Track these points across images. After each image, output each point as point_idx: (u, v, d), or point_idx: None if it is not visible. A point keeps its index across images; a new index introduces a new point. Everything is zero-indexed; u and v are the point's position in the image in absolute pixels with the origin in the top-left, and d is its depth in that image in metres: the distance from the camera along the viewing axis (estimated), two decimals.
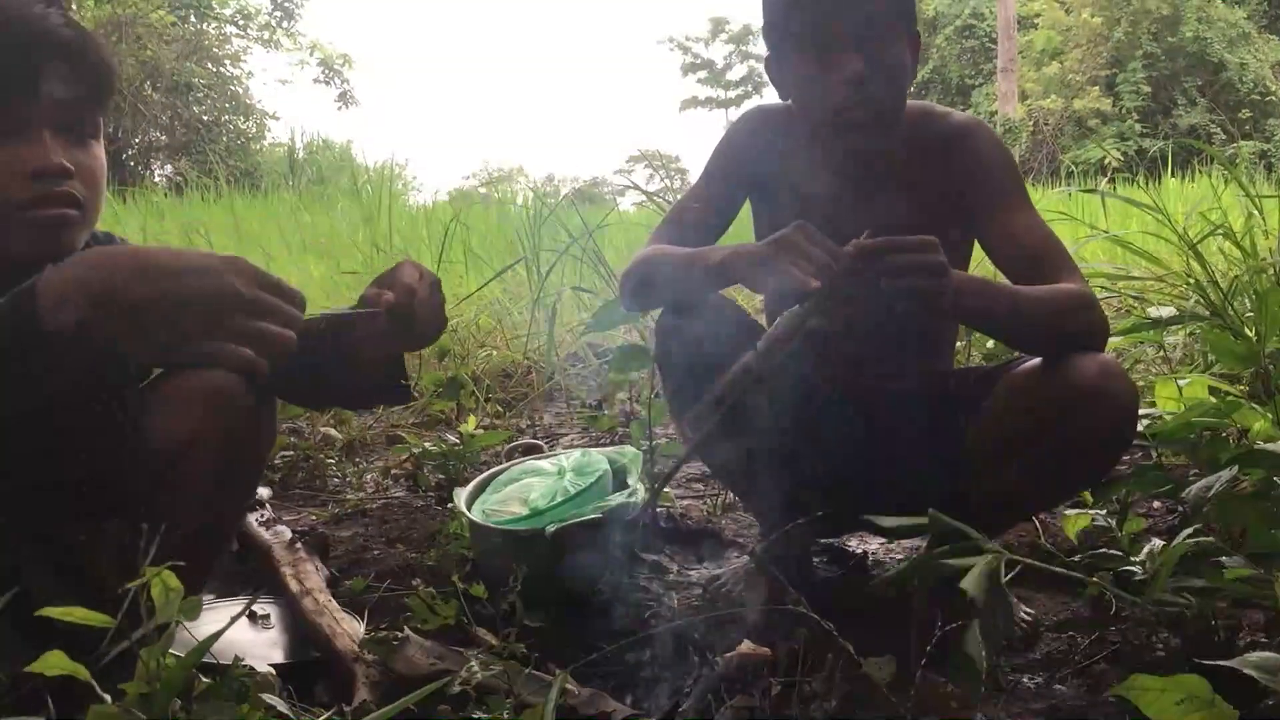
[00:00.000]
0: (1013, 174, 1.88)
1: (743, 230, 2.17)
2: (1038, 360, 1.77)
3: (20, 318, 0.98)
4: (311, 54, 24.13)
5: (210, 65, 21.27)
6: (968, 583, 1.48)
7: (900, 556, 2.34)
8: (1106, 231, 3.87)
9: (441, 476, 2.94)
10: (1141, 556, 1.85)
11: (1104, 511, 2.07)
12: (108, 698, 0.73)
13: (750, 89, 43.90)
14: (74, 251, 1.31)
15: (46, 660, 0.72)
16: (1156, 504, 2.44)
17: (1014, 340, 1.81)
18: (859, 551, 2.32)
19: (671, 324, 1.87)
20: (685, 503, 2.71)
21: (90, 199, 1.37)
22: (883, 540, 2.39)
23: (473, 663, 1.34)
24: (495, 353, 4.49)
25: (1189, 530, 1.55)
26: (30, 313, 0.98)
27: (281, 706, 1.45)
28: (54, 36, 1.27)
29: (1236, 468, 1.65)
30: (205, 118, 20.36)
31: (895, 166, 1.85)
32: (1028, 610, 1.95)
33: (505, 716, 1.33)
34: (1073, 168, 13.34)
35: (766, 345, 1.60)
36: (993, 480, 1.81)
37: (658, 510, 2.37)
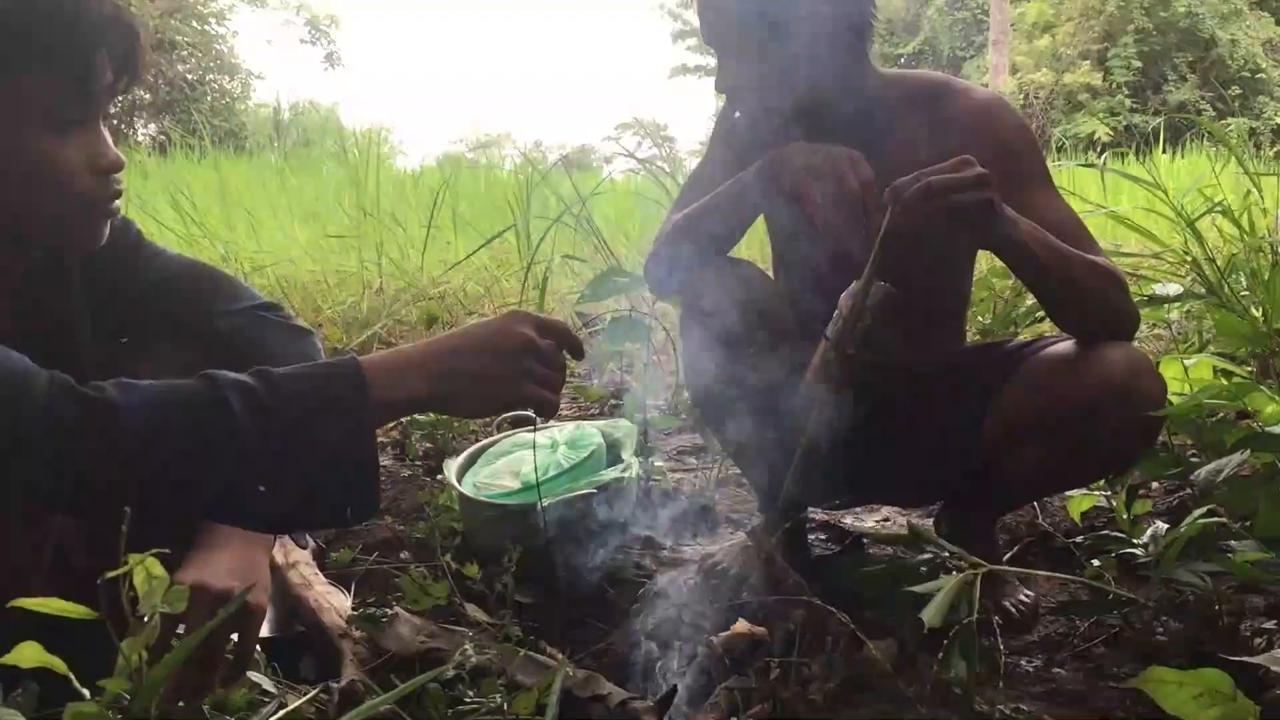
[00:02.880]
0: (1035, 153, 1.83)
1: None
2: (1062, 347, 1.74)
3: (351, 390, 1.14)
4: (298, 13, 23.85)
5: (195, 23, 20.99)
6: (928, 613, 1.46)
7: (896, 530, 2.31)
8: (1104, 207, 3.82)
9: (429, 445, 2.90)
10: (1145, 539, 1.82)
11: (1108, 492, 2.04)
12: (86, 693, 0.69)
13: None
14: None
15: (21, 652, 0.68)
16: (1155, 484, 2.41)
17: (1054, 297, 1.71)
18: (854, 528, 2.29)
19: (695, 292, 1.82)
20: (677, 476, 2.67)
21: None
22: (880, 518, 2.36)
23: (467, 646, 1.30)
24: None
25: (1200, 512, 1.52)
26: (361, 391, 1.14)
27: (267, 684, 1.41)
28: (114, 25, 1.23)
29: (1248, 451, 1.61)
30: (190, 76, 20.11)
31: (910, 143, 1.79)
32: (1026, 592, 1.93)
33: (498, 700, 1.29)
34: (1064, 142, 13.30)
35: (839, 326, 1.58)
36: (1008, 464, 1.78)
37: (650, 485, 2.33)
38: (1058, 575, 1.81)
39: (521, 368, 1.21)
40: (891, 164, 1.64)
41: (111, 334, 1.49)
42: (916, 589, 1.56)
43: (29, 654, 0.68)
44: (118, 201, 1.32)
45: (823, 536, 2.24)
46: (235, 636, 1.31)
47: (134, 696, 0.67)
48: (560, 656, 1.34)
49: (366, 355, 1.20)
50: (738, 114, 1.91)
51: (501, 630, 1.48)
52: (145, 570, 0.68)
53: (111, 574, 0.67)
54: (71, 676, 0.70)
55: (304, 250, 5.72)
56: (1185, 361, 1.98)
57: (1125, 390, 1.63)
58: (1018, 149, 1.80)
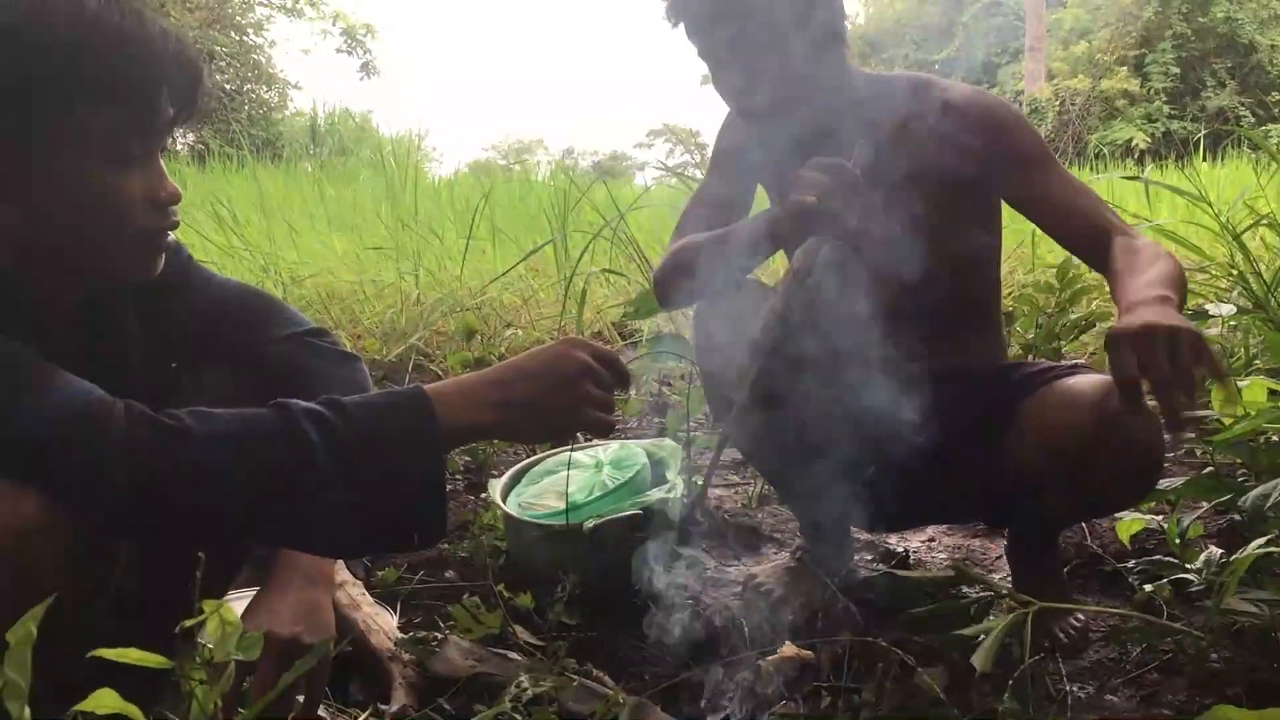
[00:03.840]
0: (1030, 133, 1.83)
1: None
2: (1072, 382, 1.72)
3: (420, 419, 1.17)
4: (334, 23, 24.00)
5: (233, 34, 21.17)
6: (978, 659, 1.44)
7: (943, 555, 2.30)
8: (1147, 220, 3.78)
9: (469, 459, 2.90)
10: (1198, 564, 1.80)
11: (1158, 517, 2.01)
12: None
13: None
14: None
15: (98, 699, 0.68)
16: (1204, 503, 2.38)
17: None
18: (900, 550, 2.27)
19: (707, 313, 1.84)
20: (718, 494, 2.66)
21: None
22: (924, 538, 2.34)
23: (523, 678, 1.30)
24: (521, 332, 4.44)
25: (1259, 542, 1.49)
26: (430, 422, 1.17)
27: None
28: (177, 62, 1.24)
29: None
30: (228, 86, 20.29)
31: (899, 141, 1.79)
32: (1077, 616, 1.90)
33: None
34: (1100, 149, 13.17)
35: (787, 283, 1.62)
36: (1029, 488, 1.77)
37: (694, 504, 2.32)
38: (1108, 609, 1.78)
39: (580, 393, 1.25)
40: (882, 158, 1.67)
41: (163, 361, 1.50)
42: (965, 631, 1.55)
43: (106, 700, 0.68)
44: (173, 234, 1.33)
45: (868, 557, 2.23)
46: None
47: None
48: (612, 684, 1.34)
49: (430, 384, 1.23)
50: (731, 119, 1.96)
51: (553, 658, 1.48)
52: (219, 618, 0.68)
53: (189, 623, 0.67)
54: None
55: (342, 261, 5.75)
56: (1239, 384, 1.94)
57: (1119, 432, 1.60)
58: (1011, 130, 1.80)
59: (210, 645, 0.68)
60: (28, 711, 0.62)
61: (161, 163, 1.28)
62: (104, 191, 1.21)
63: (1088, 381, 1.70)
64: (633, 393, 3.74)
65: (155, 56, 1.19)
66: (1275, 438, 2.00)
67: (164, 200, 1.27)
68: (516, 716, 1.35)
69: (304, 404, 1.16)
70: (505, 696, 1.28)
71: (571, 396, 1.24)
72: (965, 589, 1.88)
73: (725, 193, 1.95)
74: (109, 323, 1.41)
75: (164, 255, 1.33)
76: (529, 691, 1.30)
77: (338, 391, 1.26)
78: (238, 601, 1.86)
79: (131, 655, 0.69)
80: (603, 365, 1.28)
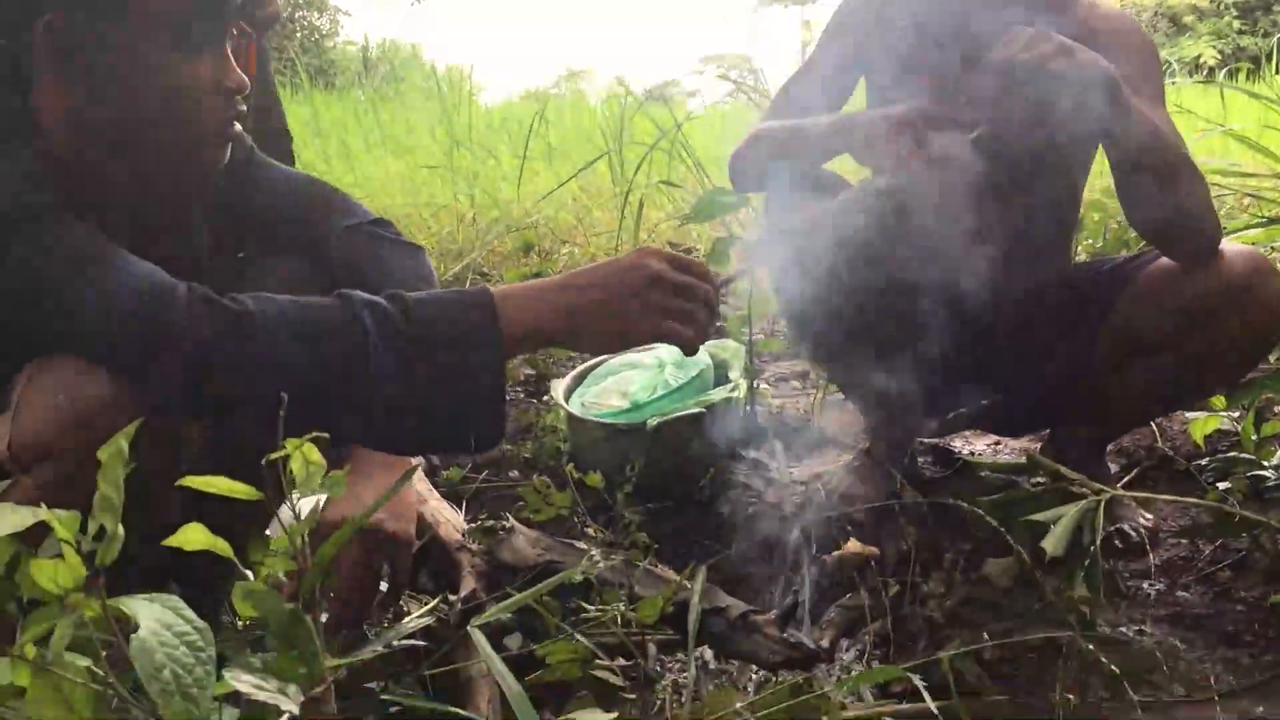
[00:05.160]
0: (1154, 65, 1.78)
1: None
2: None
3: (483, 320, 1.15)
4: None
5: None
6: (1049, 542, 1.42)
7: (1009, 456, 2.27)
8: (1220, 125, 3.67)
9: (530, 371, 2.91)
10: (1275, 460, 1.76)
11: (1234, 415, 1.97)
12: (249, 574, 0.70)
13: None
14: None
15: (186, 534, 0.69)
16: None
17: (1134, 177, 1.65)
18: (964, 453, 2.25)
19: (781, 209, 1.80)
20: (779, 402, 2.65)
21: None
22: (990, 440, 2.32)
23: (594, 552, 1.31)
24: (578, 249, 4.42)
25: None
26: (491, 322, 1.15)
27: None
28: None
29: None
30: (282, 12, 20.25)
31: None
32: (1145, 515, 1.88)
33: (621, 609, 1.30)
34: (1169, 65, 12.76)
35: (896, 164, 1.56)
36: (1122, 380, 1.75)
37: (756, 408, 2.31)
38: (1182, 499, 1.75)
39: (652, 303, 1.20)
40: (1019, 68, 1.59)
41: (228, 250, 1.50)
42: (1037, 516, 1.53)
43: (195, 536, 0.69)
44: (237, 125, 1.32)
45: (931, 460, 2.21)
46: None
47: (300, 578, 0.68)
48: (696, 567, 1.34)
49: (497, 286, 1.21)
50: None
51: (626, 539, 1.48)
52: (302, 455, 0.68)
53: (273, 456, 0.67)
54: (236, 561, 0.71)
55: (397, 183, 5.75)
56: None
57: (1248, 289, 1.60)
58: (1148, 56, 1.77)
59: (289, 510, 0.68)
60: (121, 529, 0.63)
61: (229, 51, 1.27)
62: (172, 78, 1.21)
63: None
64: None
65: None
66: None
67: (230, 89, 1.26)
68: (589, 600, 1.36)
69: (366, 296, 1.15)
70: (578, 568, 1.28)
71: (642, 306, 1.20)
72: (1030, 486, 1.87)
73: (826, 73, 1.90)
74: (176, 213, 1.41)
75: (229, 146, 1.33)
76: (600, 564, 1.30)
77: (402, 282, 1.25)
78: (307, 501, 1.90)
79: (219, 485, 0.70)
80: (683, 273, 1.23)
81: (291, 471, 0.68)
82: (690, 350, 1.25)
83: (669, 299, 1.21)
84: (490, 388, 1.15)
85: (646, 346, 2.37)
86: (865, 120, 1.63)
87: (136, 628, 0.67)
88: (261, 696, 0.63)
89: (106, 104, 1.20)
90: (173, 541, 0.69)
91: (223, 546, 0.70)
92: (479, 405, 1.15)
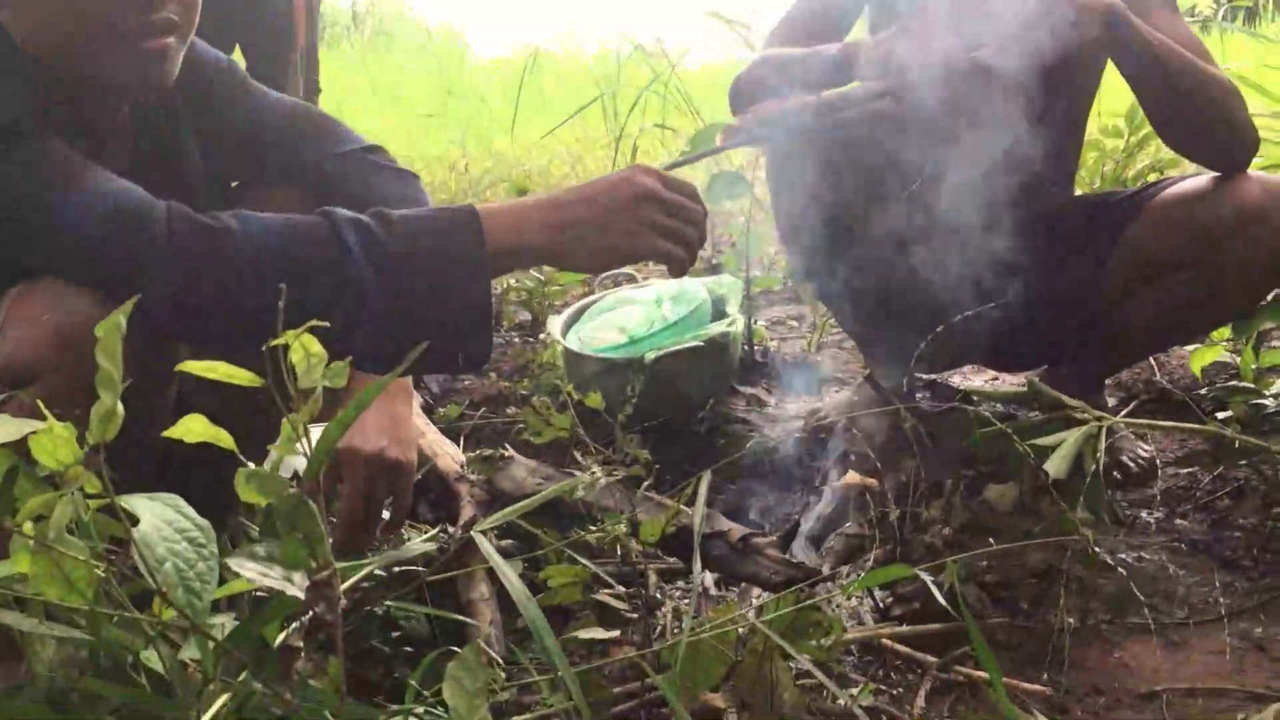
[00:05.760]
0: None
1: None
2: (1192, 181, 1.69)
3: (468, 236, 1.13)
4: None
5: None
6: (1052, 464, 1.42)
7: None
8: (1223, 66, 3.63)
9: (526, 316, 2.89)
10: (1275, 389, 1.76)
11: (1233, 347, 1.97)
12: (251, 465, 0.69)
13: None
14: (173, 78, 1.26)
15: (186, 425, 0.68)
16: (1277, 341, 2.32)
17: (1174, 105, 1.64)
18: (962, 388, 2.25)
19: (786, 140, 1.78)
20: (777, 342, 2.64)
21: (186, 21, 1.30)
22: (988, 376, 2.31)
23: (596, 468, 1.30)
24: None
25: None
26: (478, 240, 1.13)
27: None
28: None
29: None
30: None
31: None
32: (1144, 446, 1.88)
33: (622, 530, 1.30)
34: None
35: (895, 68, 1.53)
36: (1130, 310, 1.74)
37: (754, 345, 2.31)
38: (1181, 425, 1.75)
39: (642, 218, 1.17)
40: None
41: (220, 176, 1.48)
42: (1040, 441, 1.52)
43: (196, 427, 0.68)
44: (169, 38, 1.23)
45: (929, 395, 2.21)
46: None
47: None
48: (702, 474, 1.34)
49: (484, 204, 1.18)
50: None
51: (630, 456, 1.47)
52: (303, 347, 0.67)
53: (275, 342, 0.66)
54: (237, 452, 0.70)
55: (390, 135, 5.70)
56: None
57: (1263, 214, 1.59)
58: None
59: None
60: (120, 406, 0.62)
61: None
62: None
63: (1212, 177, 1.68)
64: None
65: None
66: None
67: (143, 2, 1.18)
68: (589, 523, 1.36)
69: (349, 213, 1.12)
70: (579, 483, 1.27)
71: (632, 221, 1.17)
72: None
73: (834, 4, 1.87)
74: (164, 139, 1.39)
75: (166, 62, 1.25)
76: (601, 481, 1.29)
77: (393, 206, 1.23)
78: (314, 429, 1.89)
79: (219, 370, 0.68)
80: (675, 193, 1.20)
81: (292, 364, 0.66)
82: (679, 271, 1.22)
83: (660, 216, 1.18)
84: (476, 304, 1.13)
85: (642, 279, 2.36)
86: (872, 43, 1.62)
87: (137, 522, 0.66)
88: (267, 582, 0.62)
89: (30, 23, 1.17)
90: (173, 433, 0.68)
91: (224, 437, 0.69)
92: (465, 322, 1.13)
